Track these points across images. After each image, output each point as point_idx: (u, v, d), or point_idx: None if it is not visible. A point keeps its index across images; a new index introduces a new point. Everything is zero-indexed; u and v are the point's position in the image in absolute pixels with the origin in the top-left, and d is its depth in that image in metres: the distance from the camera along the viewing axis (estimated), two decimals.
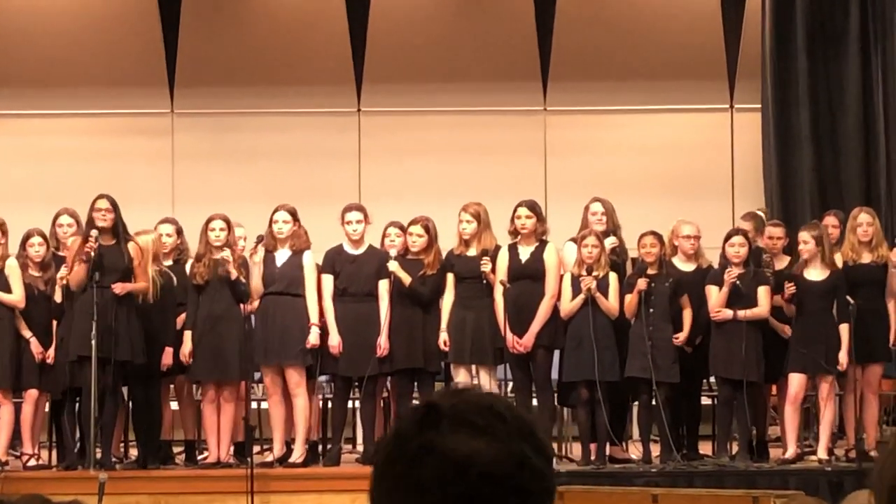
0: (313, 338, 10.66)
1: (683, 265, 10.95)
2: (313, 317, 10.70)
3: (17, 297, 10.72)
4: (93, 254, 10.28)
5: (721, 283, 10.63)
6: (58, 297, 10.66)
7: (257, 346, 10.74)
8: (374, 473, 1.88)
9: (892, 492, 2.03)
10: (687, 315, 10.68)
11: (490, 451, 1.82)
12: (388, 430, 1.93)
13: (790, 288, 10.62)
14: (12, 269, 10.73)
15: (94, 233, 10.37)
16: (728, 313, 10.57)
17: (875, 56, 13.86)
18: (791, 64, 13.94)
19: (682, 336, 10.61)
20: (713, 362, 10.66)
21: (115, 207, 10.50)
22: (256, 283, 10.76)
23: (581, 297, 10.53)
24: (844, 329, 10.59)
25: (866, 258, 10.93)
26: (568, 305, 10.66)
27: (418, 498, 1.82)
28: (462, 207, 10.97)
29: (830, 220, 11.55)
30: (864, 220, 11.00)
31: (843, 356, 10.55)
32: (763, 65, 14.07)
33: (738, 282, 10.57)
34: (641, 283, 10.54)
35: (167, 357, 10.68)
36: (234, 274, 10.63)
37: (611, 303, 10.64)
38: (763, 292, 10.69)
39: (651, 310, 10.57)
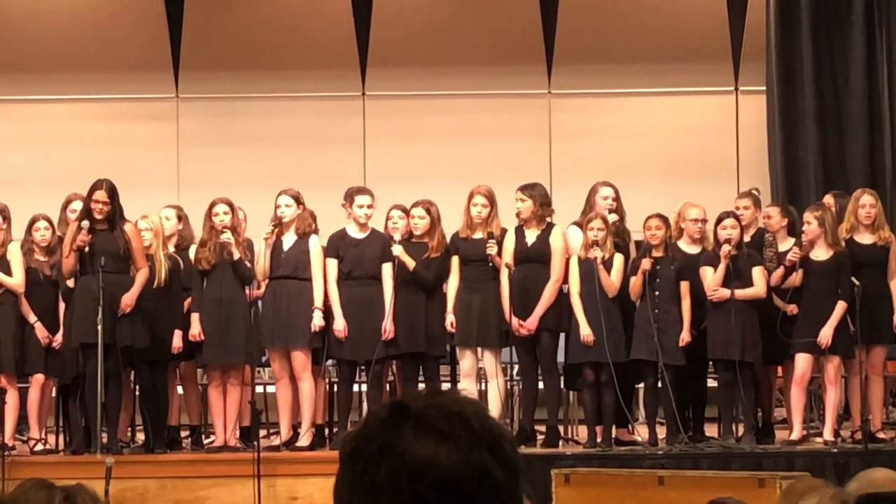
0: (317, 320, 10.66)
1: (689, 248, 10.94)
2: (318, 300, 10.70)
3: (17, 281, 10.70)
4: (86, 248, 10.24)
5: (715, 265, 10.62)
6: (70, 283, 10.61)
7: (264, 330, 10.75)
8: (339, 465, 1.84)
9: None
10: (686, 305, 10.64)
11: (449, 458, 1.77)
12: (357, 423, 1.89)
13: (795, 255, 10.57)
14: (14, 253, 10.72)
15: (84, 224, 10.26)
16: (725, 292, 10.55)
17: (880, 37, 13.81)
18: (795, 45, 13.90)
19: (685, 336, 10.55)
20: (711, 346, 10.63)
21: (112, 196, 10.38)
22: (264, 266, 10.74)
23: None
24: (840, 306, 10.58)
25: (868, 239, 10.91)
26: (577, 288, 10.66)
27: (372, 498, 1.79)
28: (474, 190, 10.91)
29: (829, 201, 11.51)
30: (867, 202, 10.97)
31: (825, 330, 10.52)
32: (767, 46, 14.03)
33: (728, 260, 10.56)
34: (645, 264, 10.53)
35: (177, 339, 10.68)
36: (236, 254, 10.63)
37: (613, 282, 10.62)
38: (758, 272, 10.68)
39: (657, 292, 10.56)
